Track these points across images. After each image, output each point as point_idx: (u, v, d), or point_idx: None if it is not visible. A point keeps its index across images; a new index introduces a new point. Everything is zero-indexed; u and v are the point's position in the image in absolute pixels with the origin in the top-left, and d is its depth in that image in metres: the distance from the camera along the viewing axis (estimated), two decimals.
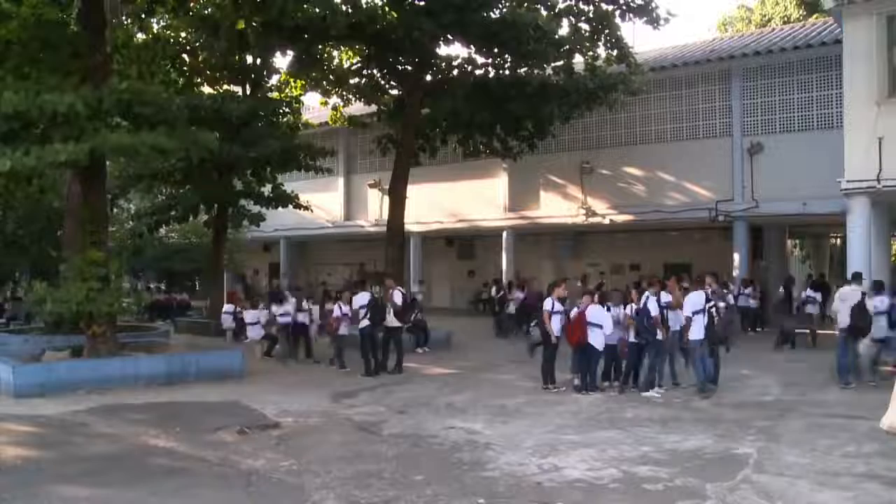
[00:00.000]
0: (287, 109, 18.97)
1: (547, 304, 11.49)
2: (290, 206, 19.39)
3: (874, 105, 13.13)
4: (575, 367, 11.36)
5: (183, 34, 17.76)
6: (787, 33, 20.47)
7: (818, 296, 16.32)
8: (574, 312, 11.27)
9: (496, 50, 17.24)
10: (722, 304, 11.63)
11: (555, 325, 11.26)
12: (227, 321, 18.46)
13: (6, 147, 10.65)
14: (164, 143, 11.40)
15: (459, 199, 23.59)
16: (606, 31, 17.15)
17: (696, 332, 10.63)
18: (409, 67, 18.24)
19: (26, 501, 6.30)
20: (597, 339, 10.88)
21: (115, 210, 23.91)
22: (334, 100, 21.24)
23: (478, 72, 18.40)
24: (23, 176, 12.13)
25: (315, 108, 26.53)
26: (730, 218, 18.73)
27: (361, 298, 13.42)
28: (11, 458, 7.70)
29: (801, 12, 34.43)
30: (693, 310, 10.64)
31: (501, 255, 22.77)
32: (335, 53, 19.71)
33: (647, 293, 11.07)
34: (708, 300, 10.75)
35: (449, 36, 16.68)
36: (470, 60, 18.20)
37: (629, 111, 20.02)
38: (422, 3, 16.26)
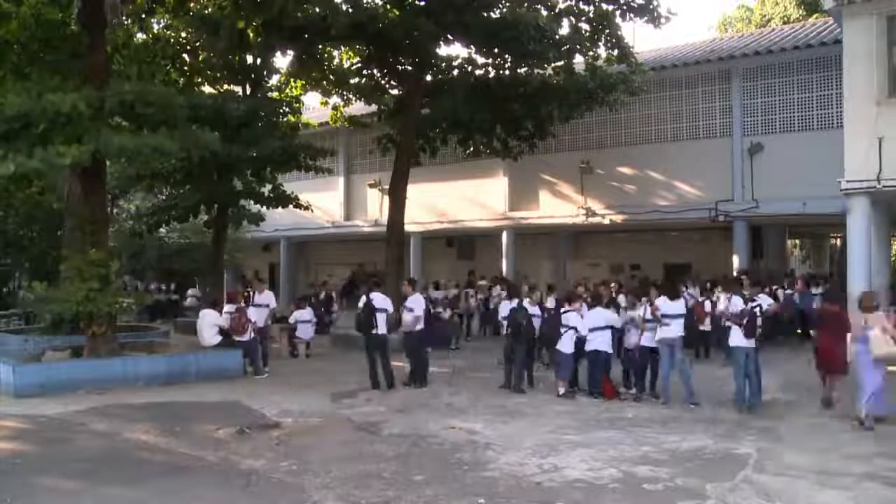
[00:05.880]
0: (287, 109, 18.91)
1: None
2: (290, 206, 19.36)
3: (874, 105, 13.10)
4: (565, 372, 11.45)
5: (183, 34, 17.74)
6: (787, 33, 20.44)
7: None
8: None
9: (496, 50, 17.21)
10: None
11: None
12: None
13: (8, 145, 10.60)
14: (167, 145, 11.35)
15: (459, 200, 23.55)
16: (607, 30, 17.11)
17: (738, 338, 9.73)
18: (409, 67, 18.20)
19: (26, 500, 6.31)
20: (565, 343, 10.86)
21: (115, 210, 23.87)
22: (334, 100, 21.21)
23: (478, 72, 18.37)
24: (23, 177, 12.12)
25: (315, 108, 26.49)
26: (730, 218, 18.70)
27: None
28: (11, 457, 7.71)
29: (801, 12, 34.41)
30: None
31: (501, 255, 22.75)
32: (335, 53, 19.67)
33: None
34: (748, 301, 9.90)
35: (449, 36, 16.66)
36: (470, 60, 18.18)
37: (629, 111, 19.98)
38: (422, 3, 16.24)
